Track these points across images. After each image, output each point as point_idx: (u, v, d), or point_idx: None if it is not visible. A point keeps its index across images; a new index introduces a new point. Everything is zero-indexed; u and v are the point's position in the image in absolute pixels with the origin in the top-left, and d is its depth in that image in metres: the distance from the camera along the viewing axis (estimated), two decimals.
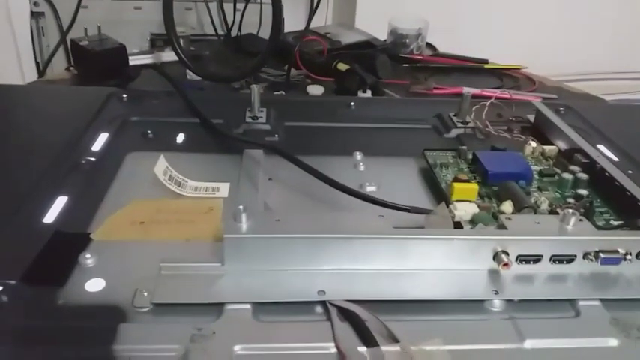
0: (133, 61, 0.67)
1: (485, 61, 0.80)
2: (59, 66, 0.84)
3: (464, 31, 0.92)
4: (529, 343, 0.27)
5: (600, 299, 0.30)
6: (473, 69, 0.80)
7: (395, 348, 0.26)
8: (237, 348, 0.26)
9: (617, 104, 0.74)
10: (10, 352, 0.25)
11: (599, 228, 0.35)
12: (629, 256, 0.31)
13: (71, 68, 0.68)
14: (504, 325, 0.29)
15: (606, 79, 1.03)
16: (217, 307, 0.28)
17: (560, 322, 0.29)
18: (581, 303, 0.30)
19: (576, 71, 0.99)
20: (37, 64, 0.91)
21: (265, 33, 0.71)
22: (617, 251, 0.31)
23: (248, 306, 0.28)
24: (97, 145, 0.44)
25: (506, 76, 0.77)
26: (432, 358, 0.26)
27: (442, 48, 0.85)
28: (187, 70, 0.63)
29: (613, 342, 0.28)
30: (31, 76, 0.88)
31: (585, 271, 0.32)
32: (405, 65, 0.78)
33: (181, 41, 0.61)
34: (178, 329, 0.27)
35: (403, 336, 0.27)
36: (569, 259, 0.31)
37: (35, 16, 0.88)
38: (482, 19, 0.99)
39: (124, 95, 0.53)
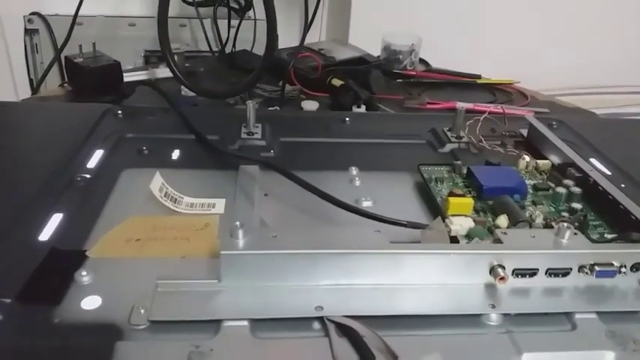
0: (128, 77, 0.67)
1: (478, 77, 0.81)
2: (53, 83, 0.85)
3: (457, 47, 0.93)
4: (526, 357, 0.28)
5: (596, 312, 0.31)
6: (466, 84, 0.81)
7: None
8: None
9: (608, 118, 0.75)
10: None
11: (593, 241, 0.35)
12: (623, 269, 0.32)
13: (65, 84, 0.68)
14: (501, 339, 0.29)
15: (597, 93, 1.04)
16: (215, 324, 0.28)
17: (556, 335, 0.29)
18: (577, 316, 0.30)
19: (567, 85, 1.01)
20: (31, 81, 0.91)
21: (259, 49, 0.72)
22: (612, 264, 0.32)
23: (245, 323, 0.28)
24: (93, 162, 0.44)
25: (498, 90, 0.78)
26: None
27: (435, 63, 0.86)
28: (182, 87, 0.64)
29: (610, 355, 0.28)
30: (25, 92, 0.88)
31: (581, 284, 0.32)
32: (398, 81, 0.79)
33: (176, 57, 0.61)
34: (176, 347, 0.26)
35: (401, 351, 0.27)
36: (565, 272, 0.32)
37: (29, 32, 0.89)
38: (475, 34, 1.00)
39: (119, 112, 0.53)
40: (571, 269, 0.32)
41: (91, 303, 0.29)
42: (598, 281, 0.32)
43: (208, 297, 0.30)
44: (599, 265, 0.31)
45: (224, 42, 0.86)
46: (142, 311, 0.28)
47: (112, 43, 0.76)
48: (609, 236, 0.37)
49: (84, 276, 0.31)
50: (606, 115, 0.85)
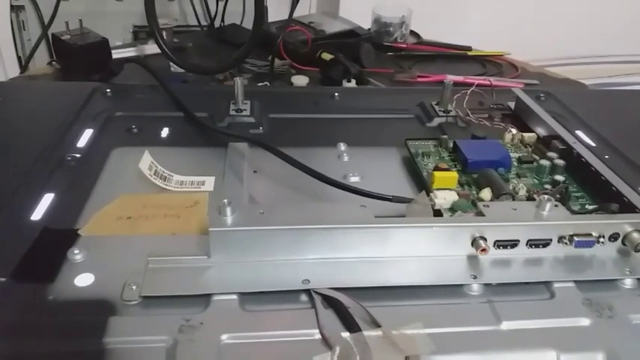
0: (116, 54, 0.66)
1: (469, 48, 0.81)
2: (41, 60, 0.84)
3: (447, 19, 0.92)
4: (505, 325, 0.29)
5: (574, 281, 0.32)
6: (457, 56, 0.80)
7: (377, 333, 0.27)
8: (224, 337, 0.27)
9: (597, 90, 0.76)
10: (2, 349, 0.26)
11: (574, 212, 0.36)
12: (602, 239, 0.33)
13: (54, 63, 0.68)
14: (482, 309, 0.30)
15: (587, 63, 1.04)
16: (204, 299, 0.29)
17: (535, 303, 0.30)
18: (556, 285, 0.31)
19: (559, 56, 1.01)
20: (19, 58, 0.90)
21: (249, 23, 0.71)
22: (590, 235, 0.32)
23: (235, 296, 0.29)
24: (82, 141, 0.44)
25: (489, 62, 0.78)
26: (412, 341, 0.27)
27: (426, 36, 0.85)
28: (171, 63, 0.63)
29: (585, 322, 0.29)
30: (14, 71, 0.87)
31: (560, 254, 0.33)
32: (389, 54, 0.79)
33: (164, 33, 0.61)
34: (167, 321, 0.27)
35: (385, 321, 0.28)
36: (545, 243, 0.33)
37: (15, 9, 0.87)
38: (466, 5, 0.99)
39: (108, 90, 0.53)
40: (551, 240, 0.32)
41: (84, 280, 0.30)
42: (577, 251, 0.33)
43: (198, 272, 0.30)
44: (578, 235, 0.32)
45: (213, 16, 0.85)
46: (134, 287, 0.29)
47: (99, 18, 0.75)
48: (590, 207, 0.38)
49: (76, 254, 0.31)
50: (597, 85, 0.85)
